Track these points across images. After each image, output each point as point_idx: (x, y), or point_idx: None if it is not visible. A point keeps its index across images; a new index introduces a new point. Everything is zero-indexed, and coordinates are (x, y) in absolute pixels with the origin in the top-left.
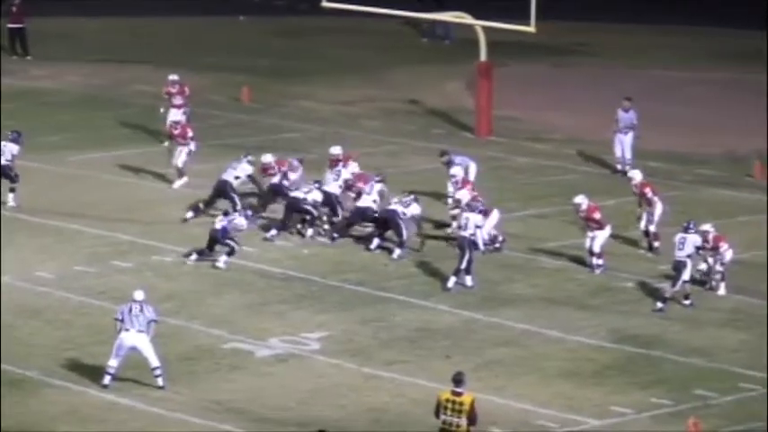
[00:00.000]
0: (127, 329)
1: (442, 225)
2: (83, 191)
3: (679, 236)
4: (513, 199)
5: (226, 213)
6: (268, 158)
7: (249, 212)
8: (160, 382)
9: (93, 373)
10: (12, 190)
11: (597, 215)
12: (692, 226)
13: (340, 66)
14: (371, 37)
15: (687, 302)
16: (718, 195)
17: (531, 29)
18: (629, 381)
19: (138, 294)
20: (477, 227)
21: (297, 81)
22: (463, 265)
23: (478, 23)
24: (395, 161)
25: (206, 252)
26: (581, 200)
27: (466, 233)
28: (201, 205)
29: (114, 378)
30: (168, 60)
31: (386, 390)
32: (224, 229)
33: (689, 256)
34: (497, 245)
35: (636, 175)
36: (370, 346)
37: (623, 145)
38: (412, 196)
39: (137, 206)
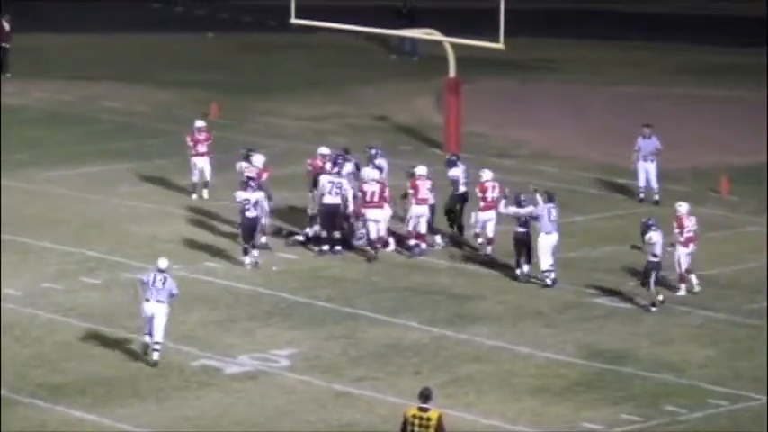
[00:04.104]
0: (147, 299)
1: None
2: (51, 208)
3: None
4: None
5: None
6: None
7: None
8: (155, 356)
9: (61, 389)
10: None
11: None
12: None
13: (308, 82)
14: (340, 53)
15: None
16: None
17: (500, 45)
18: (598, 397)
19: (162, 263)
20: (533, 217)
21: (265, 97)
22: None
23: (448, 40)
24: None
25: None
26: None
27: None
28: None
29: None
30: (137, 77)
31: (355, 406)
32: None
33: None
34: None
35: (420, 170)
36: (340, 363)
37: (648, 173)
38: None
39: (105, 223)
